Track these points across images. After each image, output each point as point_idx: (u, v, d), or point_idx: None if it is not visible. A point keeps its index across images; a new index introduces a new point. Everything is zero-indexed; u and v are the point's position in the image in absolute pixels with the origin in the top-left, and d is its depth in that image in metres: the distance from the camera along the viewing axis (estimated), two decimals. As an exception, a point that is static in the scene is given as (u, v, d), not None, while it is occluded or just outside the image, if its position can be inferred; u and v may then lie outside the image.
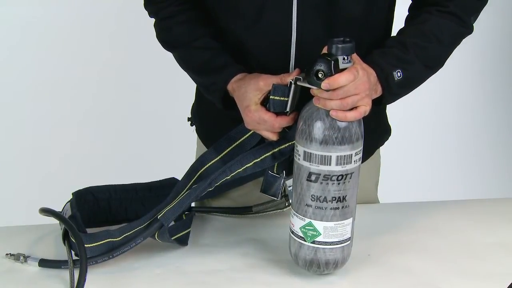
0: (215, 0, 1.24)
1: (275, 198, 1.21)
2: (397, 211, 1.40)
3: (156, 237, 1.19)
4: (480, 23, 1.29)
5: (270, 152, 1.18)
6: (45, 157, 2.81)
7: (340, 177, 1.07)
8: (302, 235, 1.12)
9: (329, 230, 1.10)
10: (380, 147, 1.47)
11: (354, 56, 1.07)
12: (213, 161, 1.26)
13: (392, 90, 1.16)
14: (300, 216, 1.11)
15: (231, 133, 1.25)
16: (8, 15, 2.73)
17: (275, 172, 1.20)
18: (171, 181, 1.31)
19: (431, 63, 1.22)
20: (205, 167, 1.26)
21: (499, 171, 3.14)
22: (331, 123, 1.05)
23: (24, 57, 2.78)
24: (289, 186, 1.19)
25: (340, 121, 1.05)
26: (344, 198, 1.09)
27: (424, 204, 1.43)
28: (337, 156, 1.06)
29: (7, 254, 1.20)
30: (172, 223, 1.18)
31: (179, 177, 1.30)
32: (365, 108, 1.07)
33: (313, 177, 1.08)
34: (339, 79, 1.03)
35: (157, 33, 1.33)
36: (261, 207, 1.33)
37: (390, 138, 1.46)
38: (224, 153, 1.25)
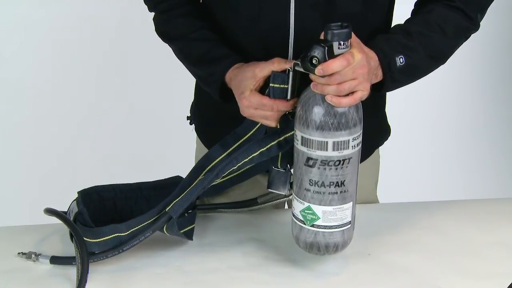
0: None
1: (283, 193, 1.20)
2: (397, 211, 1.40)
3: (164, 230, 1.19)
4: (480, 23, 1.29)
5: (276, 141, 1.17)
6: (47, 157, 2.82)
7: (337, 163, 1.06)
8: (302, 218, 1.12)
9: (328, 214, 1.10)
10: (380, 147, 1.47)
11: (354, 40, 1.06)
12: (219, 158, 1.25)
13: (394, 76, 1.16)
14: (300, 199, 1.11)
15: (236, 130, 1.24)
16: (9, 16, 2.74)
17: (279, 165, 1.20)
18: (176, 180, 1.31)
19: (435, 53, 1.21)
20: (212, 163, 1.25)
21: (499, 171, 3.14)
22: (327, 109, 1.05)
23: (25, 57, 2.79)
24: None
25: (335, 106, 1.05)
26: (342, 183, 1.08)
27: (423, 204, 1.43)
28: (334, 142, 1.05)
29: (19, 253, 1.21)
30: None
31: (180, 174, 1.30)
32: (362, 93, 1.06)
33: (311, 162, 1.07)
34: (332, 64, 1.02)
35: (155, 26, 1.33)
36: (266, 198, 1.32)
37: (389, 137, 1.46)
38: (230, 149, 1.25)
